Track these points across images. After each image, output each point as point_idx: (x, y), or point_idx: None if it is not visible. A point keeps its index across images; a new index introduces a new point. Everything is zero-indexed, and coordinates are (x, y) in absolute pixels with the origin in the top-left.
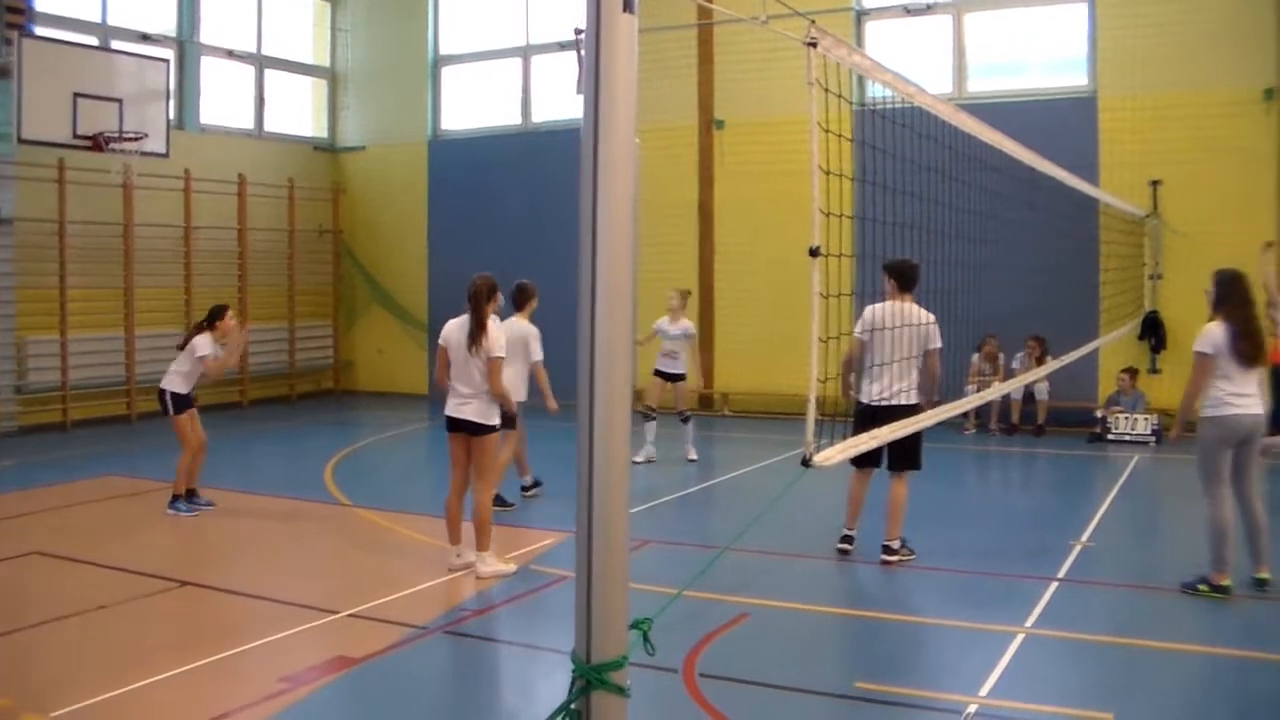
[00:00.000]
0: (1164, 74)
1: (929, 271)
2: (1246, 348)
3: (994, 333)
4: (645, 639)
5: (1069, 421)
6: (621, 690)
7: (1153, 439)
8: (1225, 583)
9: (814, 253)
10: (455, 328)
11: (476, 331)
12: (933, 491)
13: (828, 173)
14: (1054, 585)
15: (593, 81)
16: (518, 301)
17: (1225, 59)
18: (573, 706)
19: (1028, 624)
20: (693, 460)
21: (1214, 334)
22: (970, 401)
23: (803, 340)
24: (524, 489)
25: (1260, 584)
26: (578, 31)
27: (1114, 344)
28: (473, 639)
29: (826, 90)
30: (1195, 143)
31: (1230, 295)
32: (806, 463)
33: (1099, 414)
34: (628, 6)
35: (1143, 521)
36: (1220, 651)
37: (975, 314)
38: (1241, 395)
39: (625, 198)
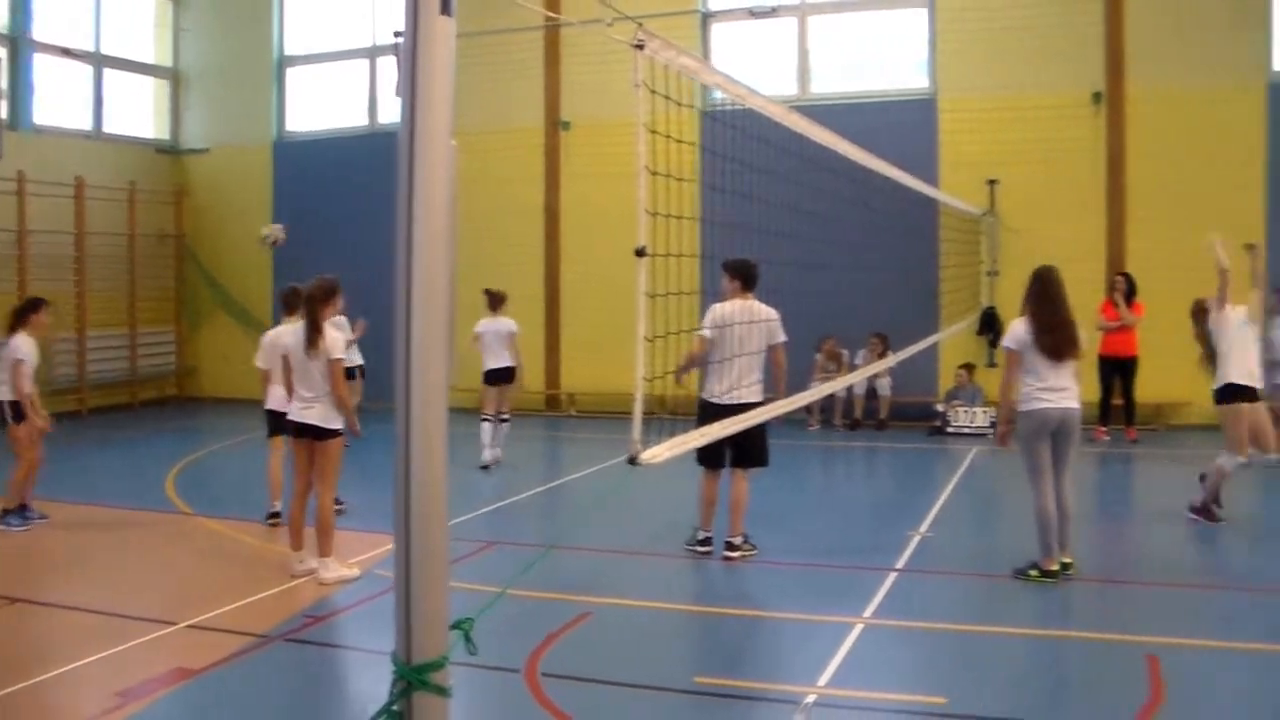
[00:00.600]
0: (1001, 77)
1: (772, 272)
2: (1050, 342)
3: (832, 333)
4: (467, 639)
5: (911, 416)
6: (443, 691)
7: (990, 431)
8: (1053, 568)
9: (640, 253)
10: (288, 333)
11: (313, 334)
12: (777, 487)
13: (654, 173)
14: (893, 576)
15: (409, 84)
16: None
17: (1058, 64)
18: (394, 708)
19: (866, 614)
20: (485, 466)
21: (1017, 330)
22: (810, 395)
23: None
24: None
25: (1064, 568)
26: (397, 34)
27: (954, 340)
28: (314, 645)
29: (654, 92)
30: (1030, 144)
31: (1034, 291)
32: (633, 461)
33: (939, 408)
34: (445, 9)
35: (979, 511)
36: (1044, 633)
37: (819, 313)
38: (1050, 390)
39: (441, 200)
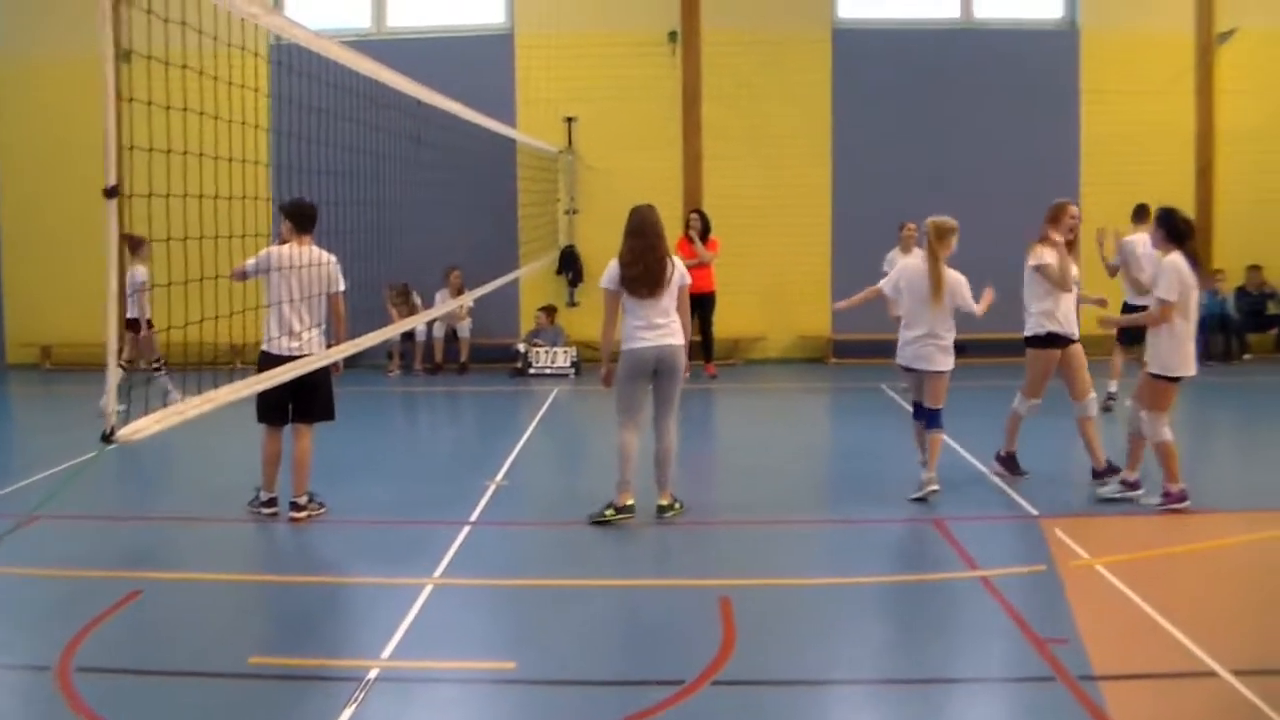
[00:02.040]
0: (578, 14)
1: (344, 214)
2: (641, 280)
3: (409, 274)
4: None
5: (493, 358)
6: None
7: (572, 371)
8: (628, 502)
9: (110, 193)
10: None
11: None
12: (351, 440)
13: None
14: (466, 530)
15: None
16: None
17: (635, 2)
18: None
19: (436, 574)
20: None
21: (612, 269)
22: (365, 341)
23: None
24: None
25: (660, 510)
26: None
27: (535, 281)
28: None
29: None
30: (607, 81)
31: (628, 229)
32: (109, 438)
33: (520, 349)
34: None
35: (558, 456)
36: (620, 583)
37: (396, 255)
38: (648, 327)
39: None
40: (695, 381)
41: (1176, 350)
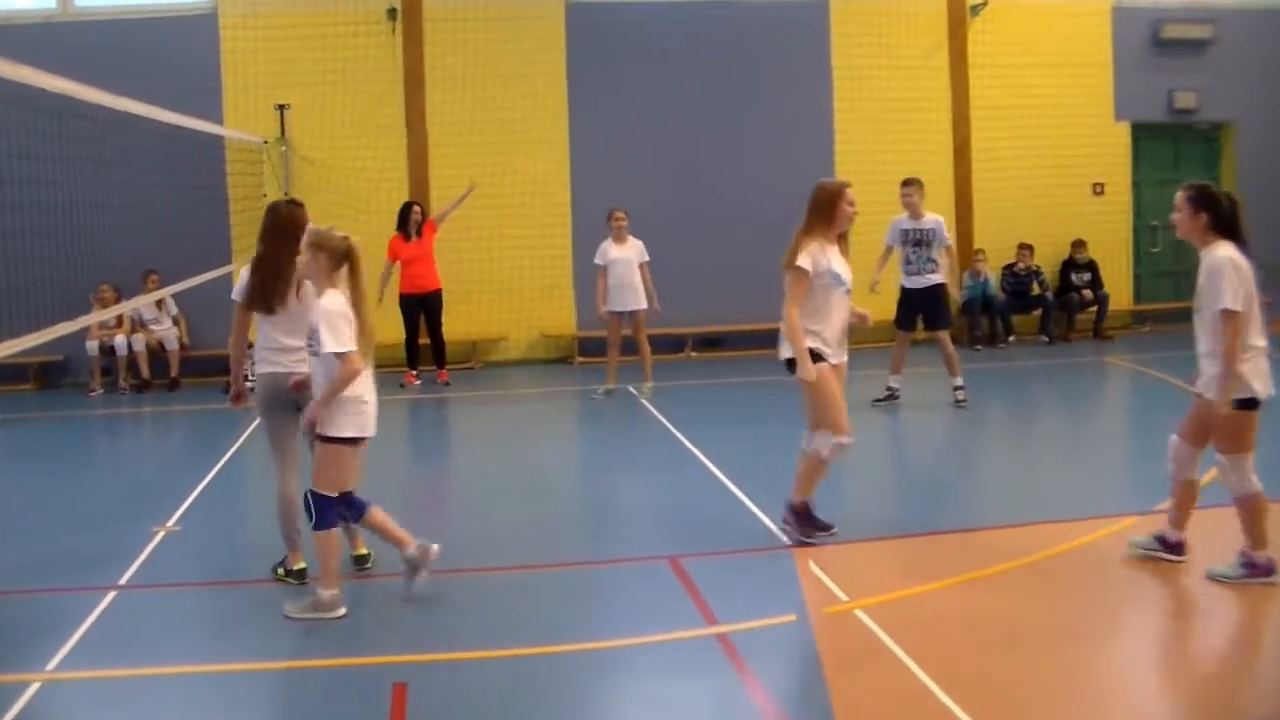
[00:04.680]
0: None
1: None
2: (263, 295)
3: (111, 278)
4: None
5: (214, 370)
6: None
7: None
8: (299, 566)
9: None
10: None
11: None
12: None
13: None
14: (109, 597)
15: None
16: None
17: None
18: None
19: (50, 666)
20: None
21: (242, 277)
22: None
23: None
24: None
25: (358, 561)
26: None
27: None
28: None
29: None
30: (323, 64)
31: (262, 230)
32: None
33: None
34: None
35: (254, 490)
36: (287, 665)
37: (94, 259)
38: (278, 350)
39: None
40: (427, 390)
41: (1256, 365)
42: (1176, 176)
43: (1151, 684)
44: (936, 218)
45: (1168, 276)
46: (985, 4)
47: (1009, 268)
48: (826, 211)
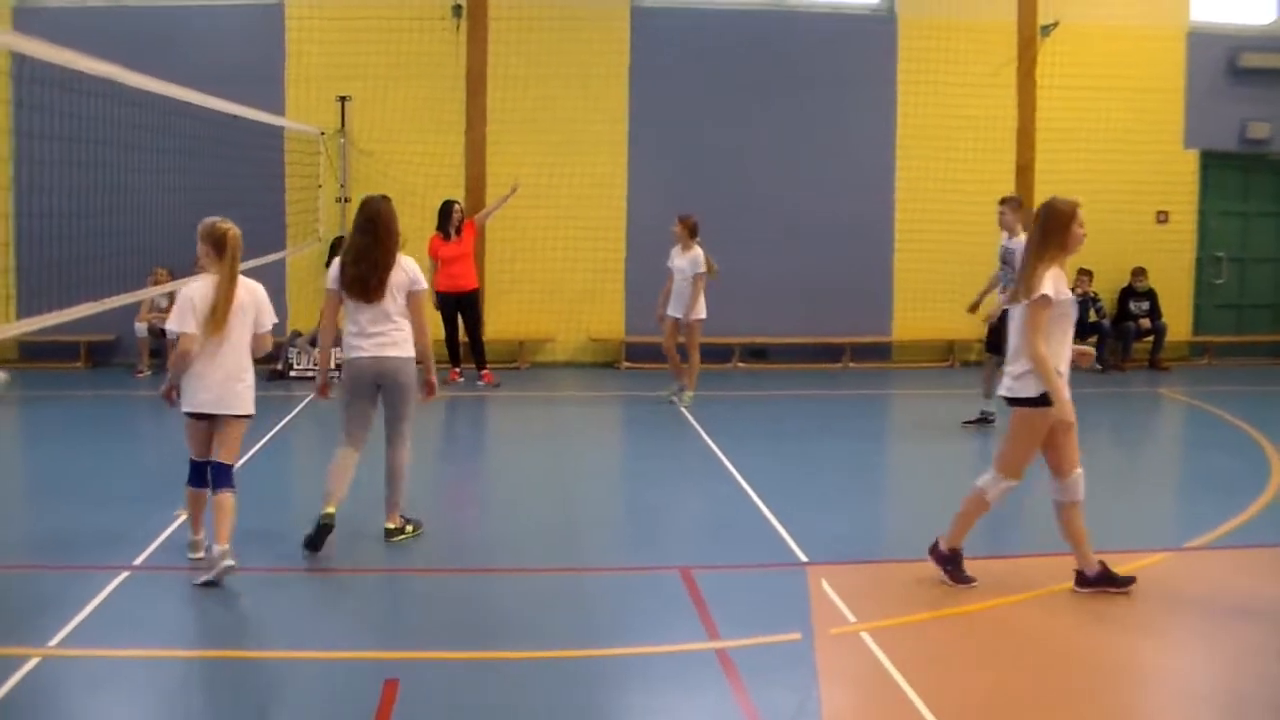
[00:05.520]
0: None
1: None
2: (354, 282)
3: (167, 263)
4: None
5: (257, 359)
6: None
7: (338, 374)
8: (327, 510)
9: None
10: None
11: None
12: (49, 454)
13: None
14: (122, 577)
15: None
16: None
17: None
18: None
19: (52, 643)
20: None
21: (333, 268)
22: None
23: None
24: None
25: (388, 533)
26: None
27: (304, 275)
28: None
29: None
30: (386, 58)
31: (356, 224)
32: None
33: (293, 349)
34: None
35: (279, 476)
36: (286, 655)
37: (152, 244)
38: (363, 335)
39: None
40: (469, 389)
41: None
42: (1245, 208)
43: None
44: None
45: (1229, 309)
46: (1056, 24)
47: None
48: (1061, 234)
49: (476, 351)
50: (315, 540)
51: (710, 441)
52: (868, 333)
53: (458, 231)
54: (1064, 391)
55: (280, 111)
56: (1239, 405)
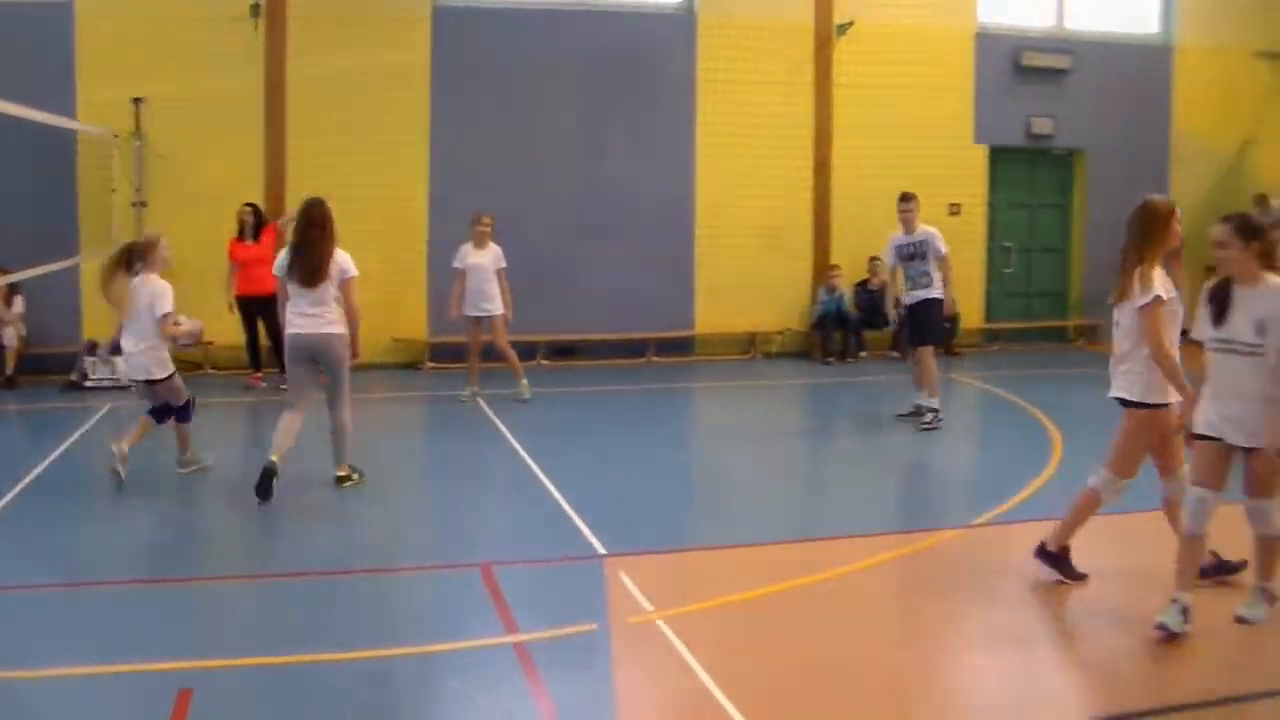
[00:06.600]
0: None
1: None
2: (299, 269)
3: None
4: None
5: (54, 369)
6: None
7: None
8: (272, 458)
9: None
10: None
11: None
12: None
13: None
14: None
15: None
16: None
17: None
18: None
19: None
20: None
21: (280, 258)
22: None
23: None
24: None
25: (339, 480)
26: None
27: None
28: None
29: None
30: (183, 58)
31: (298, 223)
32: None
33: (90, 358)
34: None
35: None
36: (71, 671)
37: None
38: (303, 315)
39: None
40: (272, 393)
41: None
42: (1031, 200)
43: (943, 690)
44: (928, 230)
45: (1018, 297)
46: (852, 24)
47: (861, 284)
48: (1161, 232)
49: (278, 354)
50: (263, 486)
51: (513, 439)
52: (670, 328)
53: (254, 235)
54: (1192, 395)
55: (72, 114)
56: (1027, 388)
